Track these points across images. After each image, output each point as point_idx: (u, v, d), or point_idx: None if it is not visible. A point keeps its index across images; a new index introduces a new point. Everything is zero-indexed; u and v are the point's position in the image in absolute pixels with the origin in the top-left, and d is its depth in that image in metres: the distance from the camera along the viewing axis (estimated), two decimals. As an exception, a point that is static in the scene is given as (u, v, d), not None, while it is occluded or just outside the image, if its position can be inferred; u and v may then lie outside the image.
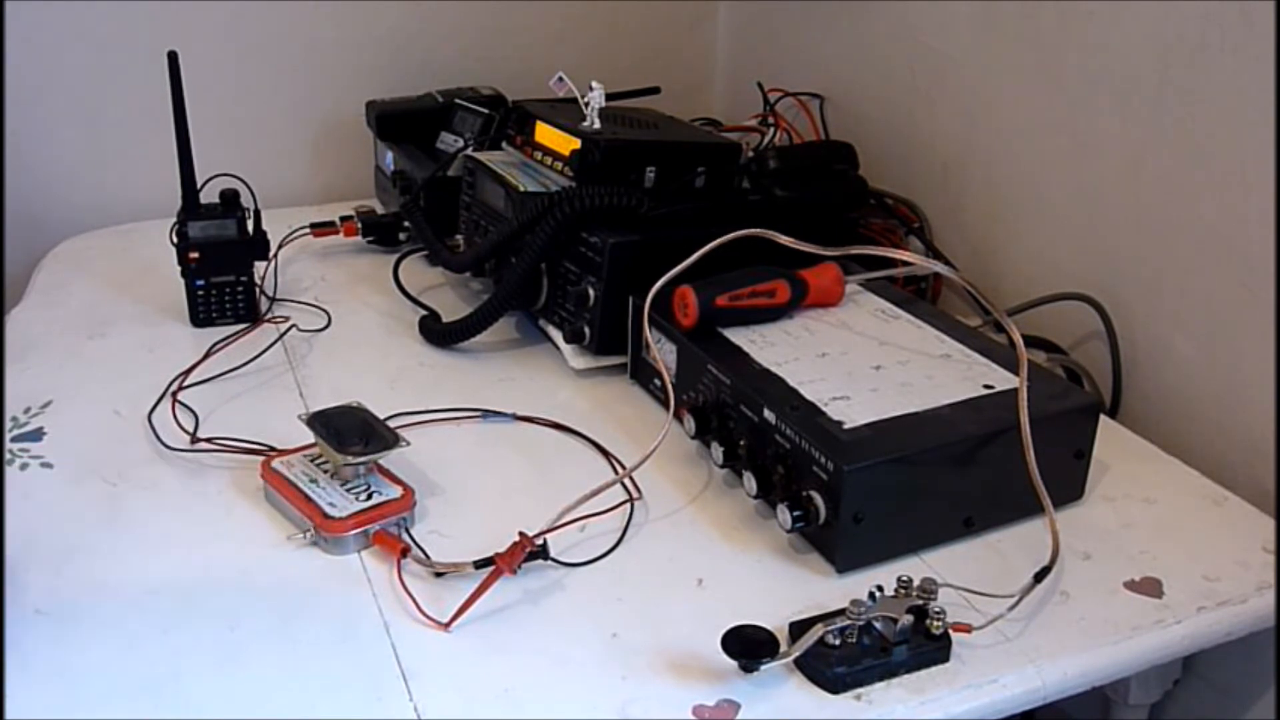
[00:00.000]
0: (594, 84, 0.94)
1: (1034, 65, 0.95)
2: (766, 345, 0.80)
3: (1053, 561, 0.67)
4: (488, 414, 0.85)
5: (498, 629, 0.63)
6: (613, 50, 1.38)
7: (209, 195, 0.96)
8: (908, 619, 0.60)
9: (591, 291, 0.88)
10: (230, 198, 0.96)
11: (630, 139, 0.94)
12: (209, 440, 0.80)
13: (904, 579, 0.63)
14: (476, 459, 0.80)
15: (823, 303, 0.86)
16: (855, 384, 0.74)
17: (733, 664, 0.58)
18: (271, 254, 1.00)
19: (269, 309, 1.01)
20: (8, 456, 0.78)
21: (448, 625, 0.63)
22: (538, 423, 0.84)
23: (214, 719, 0.57)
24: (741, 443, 0.74)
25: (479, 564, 0.66)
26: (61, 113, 1.21)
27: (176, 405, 0.85)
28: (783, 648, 0.59)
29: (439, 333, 0.95)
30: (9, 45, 1.16)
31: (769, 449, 0.71)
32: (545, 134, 0.97)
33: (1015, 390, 0.71)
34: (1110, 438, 0.81)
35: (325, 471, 0.73)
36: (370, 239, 1.16)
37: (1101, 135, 0.90)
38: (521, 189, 0.94)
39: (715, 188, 0.96)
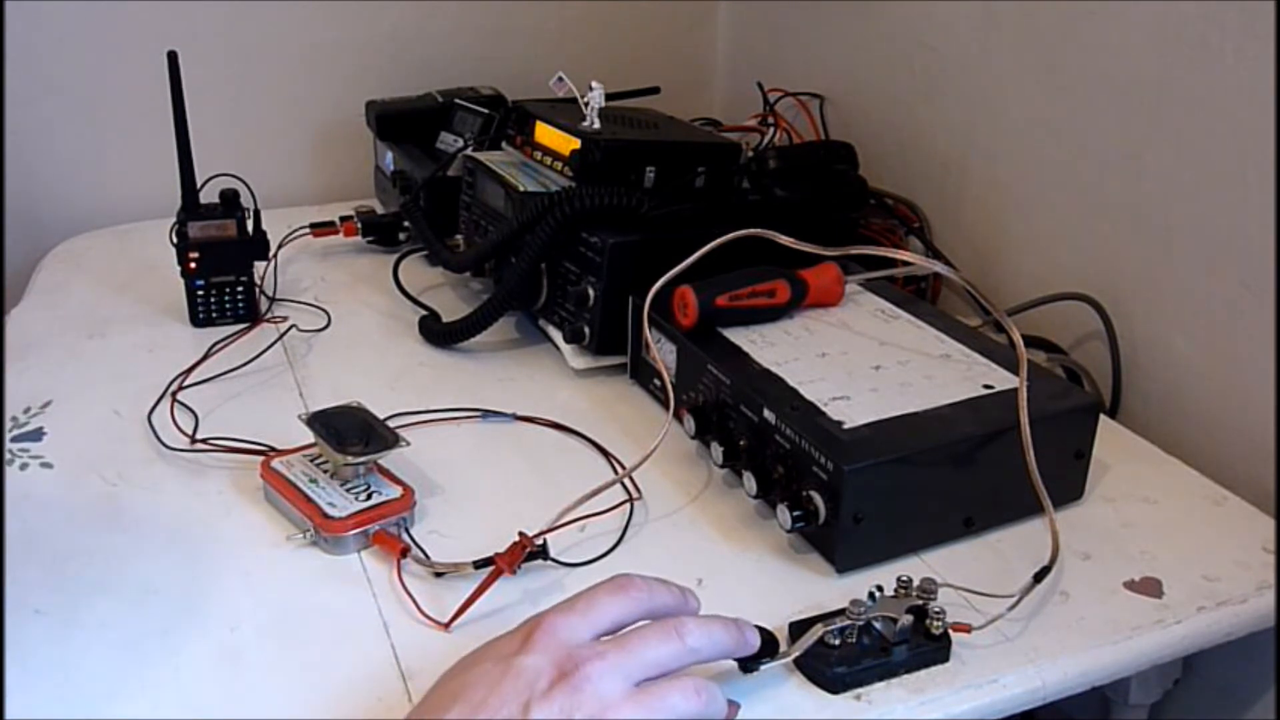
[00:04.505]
0: (594, 84, 0.94)
1: (1034, 65, 0.95)
2: (766, 345, 0.80)
3: (1052, 561, 0.66)
4: (488, 414, 0.85)
5: (498, 629, 0.63)
6: (613, 50, 1.38)
7: (209, 195, 0.96)
8: (908, 619, 0.60)
9: (591, 291, 0.88)
10: (230, 198, 0.96)
11: (630, 139, 0.94)
12: (208, 440, 0.80)
13: (904, 579, 0.63)
14: (476, 459, 0.80)
15: (823, 303, 0.86)
16: (855, 384, 0.74)
17: (733, 664, 0.58)
18: (271, 254, 1.00)
19: (269, 309, 1.01)
20: (8, 456, 0.78)
21: (448, 625, 0.63)
22: (538, 423, 0.84)
23: (214, 719, 0.57)
24: (741, 443, 0.74)
25: (479, 564, 0.66)
26: (61, 113, 1.21)
27: (176, 405, 0.85)
28: (783, 648, 0.60)
29: (439, 333, 0.95)
30: (9, 45, 1.16)
31: (769, 449, 0.71)
32: (545, 134, 0.97)
33: (1015, 390, 0.71)
34: (1110, 438, 0.81)
35: (325, 471, 0.73)
36: (370, 239, 1.16)
37: (1101, 135, 0.90)
38: (521, 189, 0.94)
39: (715, 188, 0.96)
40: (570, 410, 0.86)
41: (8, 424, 0.82)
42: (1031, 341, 0.87)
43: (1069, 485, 0.75)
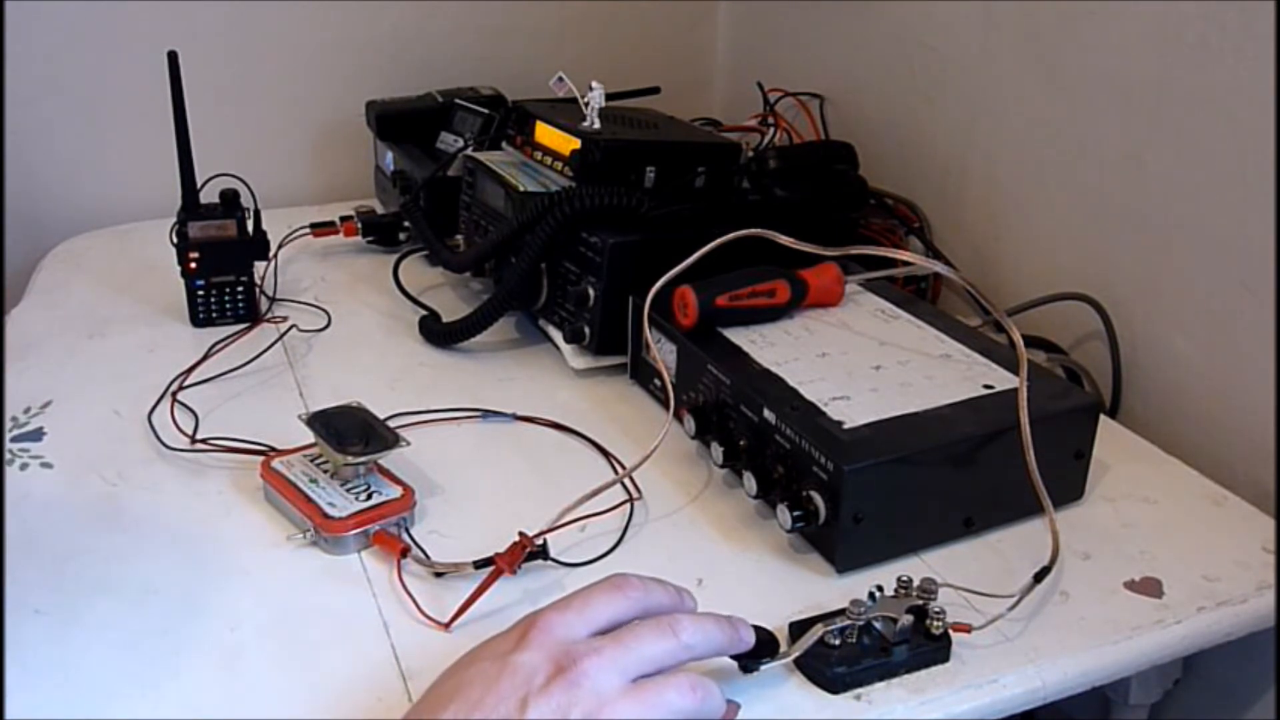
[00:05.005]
0: (594, 84, 0.94)
1: (1034, 65, 0.95)
2: (766, 345, 0.80)
3: (1053, 561, 0.67)
4: (488, 414, 0.85)
5: (498, 629, 0.62)
6: (613, 50, 1.38)
7: (209, 195, 0.96)
8: (908, 619, 0.60)
9: (591, 291, 0.88)
10: (230, 198, 0.96)
11: (630, 139, 0.94)
12: (208, 440, 0.80)
13: (904, 579, 0.63)
14: (476, 459, 0.80)
15: (823, 303, 0.86)
16: (855, 384, 0.74)
17: (733, 664, 0.58)
18: (271, 254, 1.00)
19: (269, 309, 1.01)
20: (8, 456, 0.78)
21: (448, 625, 0.63)
22: (538, 423, 0.84)
23: (214, 719, 0.57)
24: (741, 443, 0.74)
25: (479, 564, 0.66)
26: (61, 113, 1.21)
27: (176, 405, 0.85)
28: (783, 648, 0.60)
29: (439, 333, 0.96)
30: (9, 45, 1.16)
31: (769, 449, 0.71)
32: (545, 134, 0.97)
33: (1015, 390, 0.71)
34: (1110, 438, 0.81)
35: (325, 471, 0.73)
36: (370, 239, 1.16)
37: (1101, 135, 0.90)
38: (521, 189, 0.94)
39: (715, 188, 0.96)
40: (570, 410, 0.86)
41: (8, 424, 0.82)
42: (1031, 341, 0.87)
43: (1069, 485, 0.75)
